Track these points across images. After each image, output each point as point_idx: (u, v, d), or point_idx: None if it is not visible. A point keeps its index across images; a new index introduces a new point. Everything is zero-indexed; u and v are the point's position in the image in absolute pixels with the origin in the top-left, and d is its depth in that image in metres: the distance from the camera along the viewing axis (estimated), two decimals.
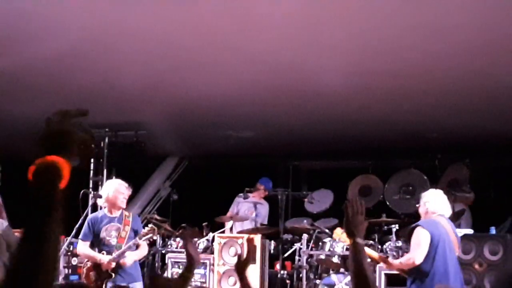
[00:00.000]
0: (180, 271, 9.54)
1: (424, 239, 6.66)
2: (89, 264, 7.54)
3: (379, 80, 8.62)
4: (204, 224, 10.36)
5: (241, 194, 11.65)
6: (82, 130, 2.01)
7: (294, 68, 8.24)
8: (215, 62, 8.14)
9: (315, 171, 13.83)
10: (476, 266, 8.91)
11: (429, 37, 7.05)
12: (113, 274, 7.31)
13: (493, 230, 9.20)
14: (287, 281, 9.73)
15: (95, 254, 7.50)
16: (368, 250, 6.94)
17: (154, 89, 9.38)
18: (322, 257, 9.33)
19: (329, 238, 9.36)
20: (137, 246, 7.46)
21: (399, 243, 9.45)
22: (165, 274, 9.95)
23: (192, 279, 9.23)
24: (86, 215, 11.36)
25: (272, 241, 10.05)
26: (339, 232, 7.21)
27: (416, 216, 11.20)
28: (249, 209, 11.48)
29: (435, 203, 6.98)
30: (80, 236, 7.50)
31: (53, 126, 1.97)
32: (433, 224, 6.82)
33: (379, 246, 9.67)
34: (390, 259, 7.17)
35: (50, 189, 1.86)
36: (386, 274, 9.15)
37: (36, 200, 1.84)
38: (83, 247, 7.55)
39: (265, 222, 11.31)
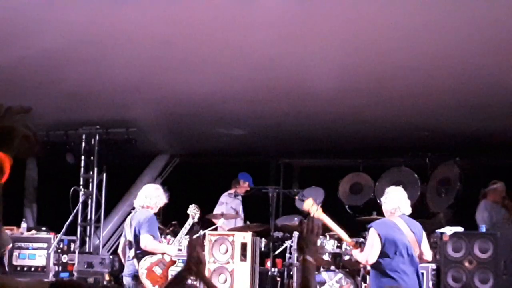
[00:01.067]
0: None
1: (376, 241, 6.75)
2: (153, 259, 7.89)
3: (370, 80, 8.64)
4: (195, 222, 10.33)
5: (231, 192, 11.67)
6: (25, 126, 2.00)
7: (285, 66, 8.25)
8: (207, 60, 8.14)
9: (306, 169, 13.85)
10: (466, 264, 8.94)
11: (419, 38, 7.07)
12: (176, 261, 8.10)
13: (483, 228, 9.23)
14: (278, 279, 9.74)
15: (166, 246, 8.24)
16: (342, 234, 7.08)
17: (145, 86, 9.37)
18: None
19: (320, 236, 9.36)
20: None
21: None
22: None
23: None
24: (77, 212, 11.41)
25: (263, 239, 10.06)
26: (309, 203, 7.10)
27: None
28: (237, 205, 11.51)
29: (390, 203, 7.03)
30: (151, 233, 7.86)
31: None
32: (386, 225, 6.90)
33: None
34: (356, 251, 7.21)
35: None
36: None
37: None
38: (154, 242, 7.92)
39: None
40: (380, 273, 6.78)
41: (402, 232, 6.83)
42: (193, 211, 8.81)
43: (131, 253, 7.95)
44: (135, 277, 7.87)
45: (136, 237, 7.87)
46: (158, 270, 7.91)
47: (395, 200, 7.07)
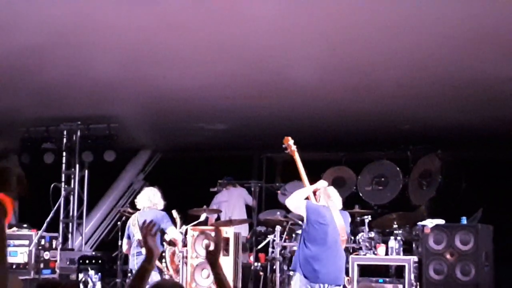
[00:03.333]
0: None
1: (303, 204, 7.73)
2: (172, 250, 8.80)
3: (352, 74, 8.67)
4: (178, 216, 10.31)
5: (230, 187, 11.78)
6: (16, 165, 2.01)
7: (267, 61, 8.25)
8: (188, 55, 8.13)
9: (289, 163, 13.81)
10: (448, 256, 9.00)
11: (401, 31, 7.10)
12: None
13: (464, 221, 9.28)
14: (261, 273, 9.75)
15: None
16: (305, 179, 8.08)
17: (127, 82, 9.34)
18: (296, 248, 9.34)
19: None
20: None
21: (372, 234, 9.52)
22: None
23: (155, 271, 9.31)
24: (58, 209, 11.35)
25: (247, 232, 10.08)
26: (290, 142, 8.08)
27: (389, 207, 11.35)
28: (238, 196, 11.57)
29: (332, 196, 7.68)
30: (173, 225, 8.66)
31: None
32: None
33: (352, 237, 9.71)
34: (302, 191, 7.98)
35: None
36: (358, 265, 9.22)
37: None
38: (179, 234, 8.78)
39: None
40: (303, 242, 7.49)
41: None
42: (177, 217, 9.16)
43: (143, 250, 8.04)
44: None
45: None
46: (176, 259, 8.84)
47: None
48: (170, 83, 9.33)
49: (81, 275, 9.99)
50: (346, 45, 7.64)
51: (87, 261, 10.21)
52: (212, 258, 3.96)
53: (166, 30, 7.30)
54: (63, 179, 11.92)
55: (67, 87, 9.57)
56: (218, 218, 11.25)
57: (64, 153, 12.01)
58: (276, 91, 9.59)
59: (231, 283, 8.66)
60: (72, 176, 12.06)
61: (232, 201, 11.85)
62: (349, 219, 7.76)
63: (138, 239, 8.38)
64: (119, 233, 10.84)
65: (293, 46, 7.72)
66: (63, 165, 12.00)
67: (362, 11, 6.65)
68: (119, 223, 11.04)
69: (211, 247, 3.98)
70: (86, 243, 12.38)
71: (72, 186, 11.98)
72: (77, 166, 12.00)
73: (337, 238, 7.42)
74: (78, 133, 11.84)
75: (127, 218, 10.73)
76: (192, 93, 9.78)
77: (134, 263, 8.47)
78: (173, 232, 8.63)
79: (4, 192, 1.86)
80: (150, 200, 8.74)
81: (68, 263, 10.66)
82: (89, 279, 9.76)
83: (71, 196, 12.00)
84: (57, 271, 10.18)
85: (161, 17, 6.93)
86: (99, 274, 9.97)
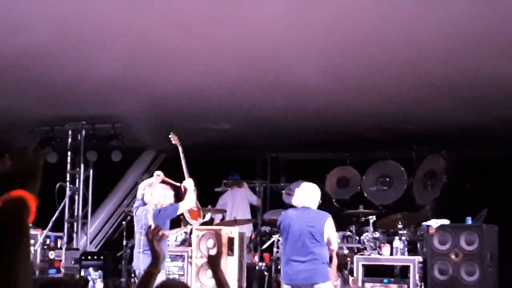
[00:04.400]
0: None
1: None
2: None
3: (357, 73, 8.66)
4: (181, 216, 10.32)
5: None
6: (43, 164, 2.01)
7: (271, 60, 8.25)
8: (193, 55, 8.13)
9: (293, 162, 13.85)
10: (453, 256, 9.00)
11: (406, 31, 7.09)
12: None
13: (469, 221, 9.28)
14: (265, 273, 9.76)
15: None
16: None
17: (131, 81, 9.34)
18: None
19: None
20: None
21: (377, 234, 9.53)
22: None
23: (169, 272, 9.27)
24: (63, 208, 11.38)
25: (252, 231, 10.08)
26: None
27: (393, 207, 11.34)
28: (243, 196, 11.59)
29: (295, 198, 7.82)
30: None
31: (21, 160, 1.95)
32: (285, 215, 7.86)
33: (357, 237, 9.73)
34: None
35: (18, 226, 1.83)
36: (363, 265, 9.22)
37: (4, 236, 1.82)
38: None
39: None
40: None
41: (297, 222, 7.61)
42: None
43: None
44: None
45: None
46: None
47: (299, 194, 7.81)
48: (174, 83, 9.33)
49: (82, 273, 9.99)
50: (351, 45, 7.63)
51: (89, 257, 10.17)
52: (213, 262, 3.98)
53: (171, 30, 7.30)
54: (68, 178, 11.93)
55: (72, 87, 9.57)
56: (223, 218, 11.26)
57: (69, 153, 12.03)
58: (280, 91, 9.59)
59: (235, 283, 8.69)
60: (77, 176, 12.07)
61: (237, 201, 11.86)
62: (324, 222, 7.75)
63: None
64: (124, 233, 10.88)
65: (298, 46, 7.72)
66: (68, 165, 12.01)
67: (365, 12, 6.64)
68: (124, 222, 11.08)
69: (212, 251, 4.04)
70: (91, 243, 12.39)
71: (77, 185, 12.00)
72: (82, 165, 12.02)
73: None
74: (83, 133, 11.86)
75: (132, 218, 10.77)
76: (196, 93, 9.78)
77: (140, 261, 8.35)
78: (184, 206, 8.36)
79: (29, 191, 1.84)
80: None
81: (73, 262, 10.68)
82: (89, 277, 9.75)
83: (76, 196, 12.01)
84: (62, 270, 10.22)
85: (166, 17, 6.93)
86: (100, 271, 9.93)
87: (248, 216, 11.55)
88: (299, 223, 7.58)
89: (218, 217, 11.17)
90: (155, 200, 8.07)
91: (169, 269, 9.37)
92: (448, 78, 8.73)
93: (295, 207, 7.77)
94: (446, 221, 9.31)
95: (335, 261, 7.74)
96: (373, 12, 6.67)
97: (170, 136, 8.60)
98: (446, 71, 8.44)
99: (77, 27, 7.24)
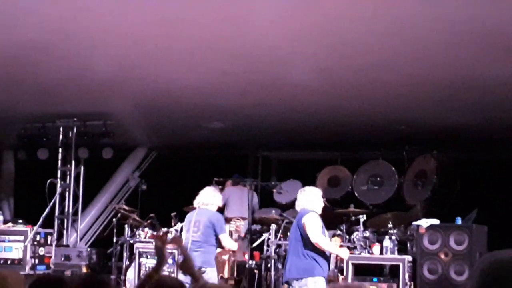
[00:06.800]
0: (147, 261, 9.57)
1: None
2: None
3: (349, 73, 8.67)
4: (172, 214, 10.35)
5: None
6: None
7: (264, 60, 8.25)
8: (185, 54, 8.13)
9: (285, 162, 13.88)
10: (442, 256, 9.03)
11: (397, 32, 7.10)
12: None
13: (459, 221, 9.31)
14: (256, 271, 9.78)
15: None
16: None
17: (123, 79, 9.34)
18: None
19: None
20: None
21: (367, 233, 9.55)
22: (132, 264, 9.95)
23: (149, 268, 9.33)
24: (53, 205, 11.36)
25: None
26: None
27: (384, 207, 11.38)
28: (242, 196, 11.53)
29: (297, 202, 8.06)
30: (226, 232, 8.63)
31: None
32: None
33: (347, 236, 9.75)
34: None
35: None
36: (353, 264, 9.25)
37: None
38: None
39: None
40: None
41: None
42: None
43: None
44: None
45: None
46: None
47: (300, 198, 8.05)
48: (166, 81, 9.33)
49: None
50: (343, 46, 7.64)
51: None
52: (184, 268, 3.99)
53: (164, 28, 7.29)
54: (59, 175, 11.91)
55: (63, 84, 9.56)
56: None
57: (60, 150, 12.01)
58: (273, 90, 9.60)
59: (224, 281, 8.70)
60: (68, 173, 12.06)
61: (238, 199, 11.77)
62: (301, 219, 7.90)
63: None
64: (114, 230, 10.88)
65: (290, 46, 7.73)
66: (59, 162, 12.00)
67: (359, 12, 6.65)
68: (114, 219, 11.09)
69: (181, 259, 4.07)
70: (81, 240, 12.39)
71: (68, 182, 11.98)
72: (73, 162, 12.00)
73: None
74: (74, 130, 11.84)
75: (122, 215, 10.78)
76: (189, 91, 9.78)
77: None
78: (225, 240, 8.45)
79: None
80: (199, 198, 8.62)
81: (63, 259, 10.67)
82: None
83: (67, 193, 11.99)
84: (52, 267, 10.20)
85: (158, 14, 6.92)
86: None
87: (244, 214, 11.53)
88: (293, 224, 8.04)
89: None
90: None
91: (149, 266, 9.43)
92: (440, 79, 8.76)
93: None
94: (436, 221, 9.34)
95: (330, 249, 7.97)
96: (366, 13, 6.68)
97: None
98: (439, 72, 8.47)
99: (69, 25, 7.22)
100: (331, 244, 8.27)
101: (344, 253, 8.31)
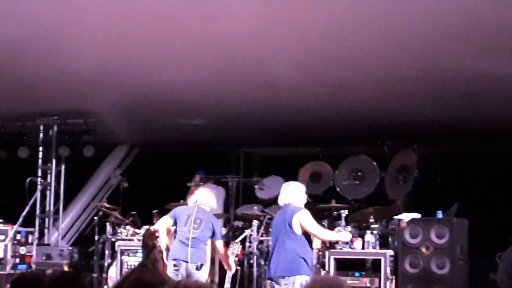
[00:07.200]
0: (129, 259, 9.55)
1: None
2: None
3: (330, 68, 8.69)
4: (154, 211, 10.32)
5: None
6: None
7: (245, 55, 8.25)
8: (166, 50, 8.11)
9: (267, 158, 13.87)
10: (423, 250, 9.07)
11: (378, 27, 7.13)
12: None
13: (440, 215, 9.36)
14: (238, 267, 9.76)
15: None
16: None
17: (104, 76, 9.30)
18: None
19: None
20: None
21: (349, 228, 9.57)
22: (114, 262, 9.91)
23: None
24: (34, 203, 11.31)
25: (223, 228, 10.08)
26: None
27: (365, 202, 11.41)
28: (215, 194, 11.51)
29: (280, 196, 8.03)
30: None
31: None
32: (276, 214, 8.20)
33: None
34: None
35: None
36: (335, 259, 9.27)
37: None
38: None
39: None
40: None
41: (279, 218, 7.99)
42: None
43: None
44: None
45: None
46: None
47: (284, 192, 8.03)
48: (147, 78, 9.30)
49: None
50: (325, 41, 7.66)
51: None
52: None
53: (145, 25, 7.27)
54: (39, 174, 11.85)
55: (43, 81, 9.51)
56: None
57: (40, 148, 11.94)
58: (254, 87, 9.60)
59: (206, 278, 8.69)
60: (49, 171, 11.99)
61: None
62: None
63: None
64: (96, 228, 10.84)
65: (272, 42, 7.73)
66: (40, 160, 11.92)
67: (339, 8, 6.67)
68: (95, 218, 11.05)
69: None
70: (62, 238, 12.32)
71: (48, 181, 11.91)
72: (54, 161, 11.93)
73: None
74: (55, 128, 11.77)
75: (104, 213, 10.74)
76: (169, 88, 9.76)
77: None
78: (221, 247, 8.59)
79: None
80: (198, 197, 8.68)
81: (44, 258, 10.62)
82: None
83: (48, 191, 11.92)
84: (33, 266, 10.15)
85: (139, 12, 6.90)
86: None
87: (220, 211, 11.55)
88: (278, 220, 7.96)
89: None
90: None
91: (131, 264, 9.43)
92: (422, 73, 8.79)
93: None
94: (417, 215, 9.38)
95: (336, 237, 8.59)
96: (346, 8, 6.69)
97: None
98: (420, 67, 8.50)
99: (49, 21, 7.19)
100: (334, 233, 8.82)
101: (347, 236, 8.71)
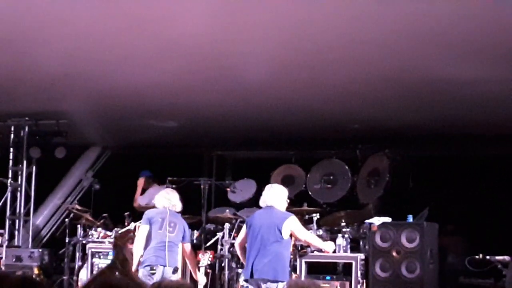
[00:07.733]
0: (100, 261, 9.50)
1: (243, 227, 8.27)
2: None
3: (302, 72, 8.71)
4: (126, 214, 10.30)
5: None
6: None
7: (217, 58, 8.24)
8: (138, 52, 8.08)
9: (239, 161, 13.88)
10: (394, 254, 9.12)
11: (350, 31, 7.15)
12: None
13: (410, 219, 9.41)
14: (209, 271, 9.74)
15: None
16: None
17: (76, 77, 9.24)
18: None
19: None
20: None
21: (320, 232, 9.60)
22: (85, 265, 9.86)
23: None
24: (4, 205, 11.21)
25: (195, 231, 10.07)
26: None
27: (337, 205, 11.45)
28: None
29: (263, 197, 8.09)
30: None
31: None
32: (255, 214, 8.17)
33: None
34: None
35: None
36: (306, 262, 9.30)
37: None
38: None
39: None
40: None
41: (261, 221, 7.96)
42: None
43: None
44: None
45: None
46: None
47: (267, 194, 8.12)
48: (120, 79, 9.27)
49: None
50: (296, 43, 7.66)
51: None
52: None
53: (116, 25, 7.24)
54: (10, 175, 11.75)
55: (14, 82, 9.43)
56: None
57: (11, 149, 11.84)
58: (226, 89, 9.60)
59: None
60: (20, 173, 11.89)
61: None
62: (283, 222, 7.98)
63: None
64: (67, 231, 10.78)
65: (243, 44, 7.73)
66: (10, 161, 11.82)
67: (311, 8, 6.67)
68: (67, 220, 10.99)
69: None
70: (33, 240, 12.22)
71: (19, 182, 11.81)
72: (25, 162, 11.84)
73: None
74: (26, 129, 11.69)
75: (75, 215, 10.67)
76: (142, 90, 9.73)
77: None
78: (188, 250, 8.85)
79: None
80: (169, 199, 8.79)
81: (14, 260, 10.53)
82: None
83: (18, 193, 11.83)
84: (2, 268, 10.07)
85: (110, 11, 6.87)
86: None
87: None
88: (261, 221, 7.94)
89: None
90: None
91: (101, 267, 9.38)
92: (393, 78, 8.84)
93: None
94: (388, 219, 9.43)
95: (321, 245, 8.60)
96: (319, 10, 6.70)
97: None
98: (392, 70, 8.55)
99: (19, 21, 7.13)
100: (321, 241, 8.84)
101: (330, 247, 8.73)
